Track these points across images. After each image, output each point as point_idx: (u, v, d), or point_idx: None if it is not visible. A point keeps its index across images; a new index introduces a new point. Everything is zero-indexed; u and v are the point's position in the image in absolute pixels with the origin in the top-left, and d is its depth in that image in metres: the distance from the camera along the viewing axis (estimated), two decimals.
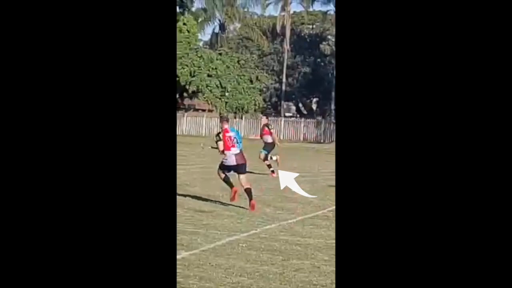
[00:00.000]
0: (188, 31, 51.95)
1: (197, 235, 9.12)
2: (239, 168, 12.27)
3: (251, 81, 52.01)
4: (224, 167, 12.41)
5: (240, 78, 51.46)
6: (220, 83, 50.61)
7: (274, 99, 69.69)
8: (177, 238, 8.67)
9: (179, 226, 9.72)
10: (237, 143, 12.27)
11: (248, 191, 12.04)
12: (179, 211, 11.24)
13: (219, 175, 12.58)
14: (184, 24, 51.59)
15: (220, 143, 12.19)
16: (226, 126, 12.42)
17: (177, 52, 48.33)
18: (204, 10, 62.59)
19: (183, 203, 12.22)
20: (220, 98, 50.84)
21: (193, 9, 58.67)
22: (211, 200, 12.98)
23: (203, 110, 55.55)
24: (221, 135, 12.24)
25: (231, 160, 12.21)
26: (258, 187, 14.87)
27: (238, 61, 52.72)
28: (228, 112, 49.62)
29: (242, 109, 51.10)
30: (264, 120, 21.11)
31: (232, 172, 12.42)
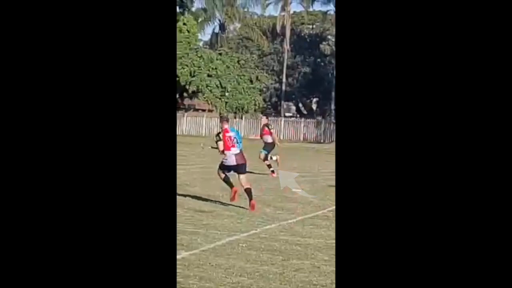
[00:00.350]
0: (188, 31, 51.94)
1: (197, 235, 9.12)
2: (239, 168, 12.27)
3: (251, 81, 51.99)
4: (224, 167, 12.41)
5: (240, 78, 51.44)
6: (220, 83, 50.59)
7: (274, 99, 69.68)
8: (177, 238, 8.66)
9: (179, 226, 9.72)
10: (237, 143, 12.28)
11: (248, 191, 12.05)
12: (179, 211, 11.24)
13: (219, 175, 12.58)
14: (184, 24, 51.57)
15: (220, 143, 12.19)
16: (226, 126, 12.43)
17: (177, 52, 48.30)
18: (204, 10, 62.60)
19: (183, 203, 12.22)
20: (220, 98, 50.81)
21: (193, 9, 58.67)
22: (211, 200, 12.98)
23: (203, 110, 55.55)
24: (221, 135, 12.25)
25: (231, 160, 12.22)
26: (258, 187, 14.88)
27: (238, 61, 52.70)
28: (228, 112, 49.60)
29: (242, 109, 51.08)
30: (264, 120, 21.09)
31: (232, 172, 12.43)
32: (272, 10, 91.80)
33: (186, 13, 54.38)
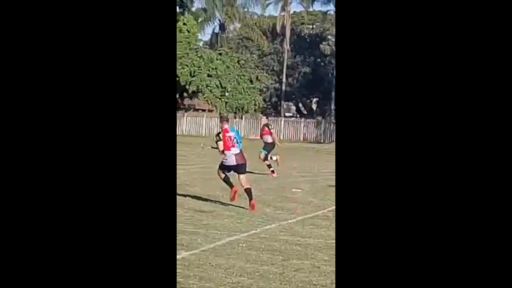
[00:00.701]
0: (188, 31, 51.95)
1: (197, 235, 9.12)
2: (239, 168, 12.29)
3: (251, 81, 51.99)
4: (224, 167, 12.42)
5: (240, 78, 51.45)
6: (220, 83, 50.59)
7: (274, 99, 69.69)
8: (177, 238, 8.66)
9: (179, 226, 9.72)
10: (237, 143, 12.30)
11: (248, 191, 12.06)
12: (179, 211, 11.24)
13: (219, 175, 12.59)
14: (184, 24, 51.58)
15: (220, 143, 12.20)
16: (226, 126, 12.45)
17: (177, 52, 48.28)
18: (204, 10, 62.63)
19: (183, 203, 12.22)
20: (220, 98, 50.82)
21: (193, 9, 58.69)
22: (211, 200, 12.98)
23: (203, 110, 55.55)
24: (221, 135, 12.27)
25: (231, 160, 12.23)
26: (258, 187, 14.88)
27: (238, 61, 52.70)
28: (228, 112, 49.60)
29: (242, 109, 51.09)
30: (264, 120, 21.10)
31: (232, 172, 12.43)
32: (272, 10, 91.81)
33: (186, 13, 54.40)
